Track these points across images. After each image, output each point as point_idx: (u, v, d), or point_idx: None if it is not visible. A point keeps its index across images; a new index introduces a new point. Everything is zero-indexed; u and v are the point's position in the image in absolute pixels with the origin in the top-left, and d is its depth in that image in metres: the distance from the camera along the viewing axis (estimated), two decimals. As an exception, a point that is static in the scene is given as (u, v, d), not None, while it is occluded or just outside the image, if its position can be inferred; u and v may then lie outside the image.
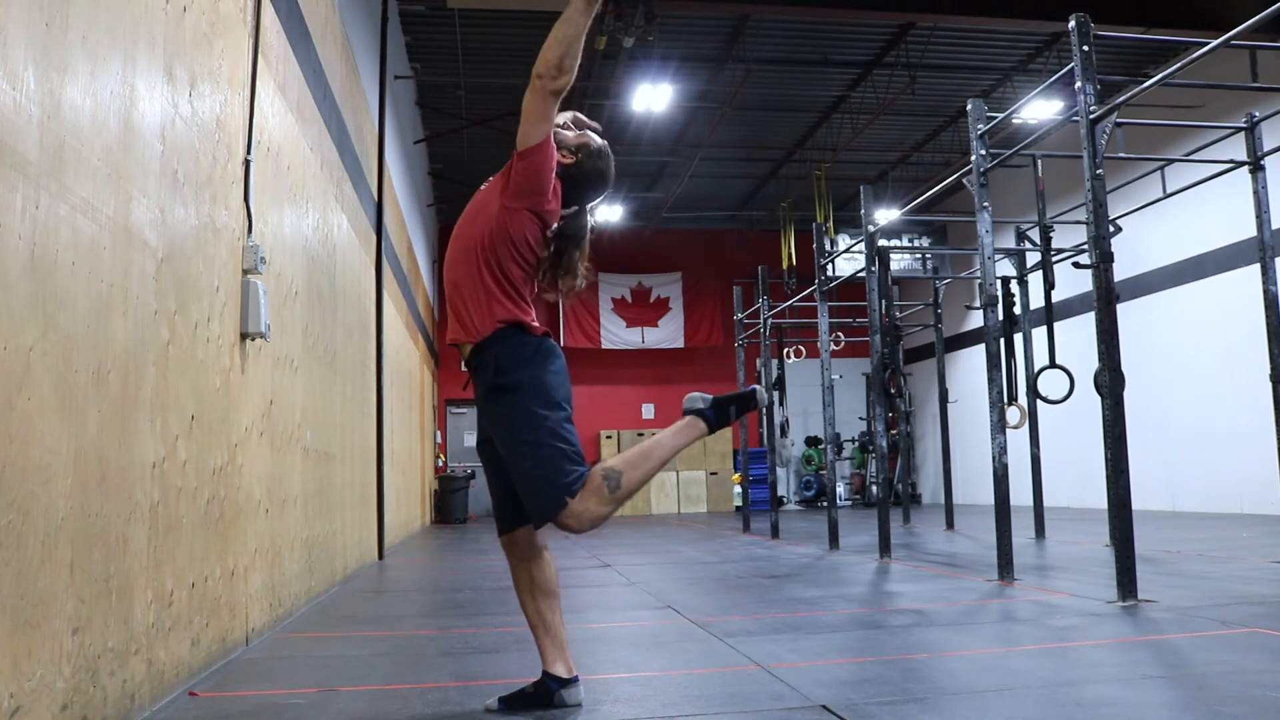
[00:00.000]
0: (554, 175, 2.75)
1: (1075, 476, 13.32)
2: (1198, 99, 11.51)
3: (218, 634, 3.50)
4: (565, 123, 2.91)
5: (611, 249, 17.93)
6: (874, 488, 17.19)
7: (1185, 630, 3.79)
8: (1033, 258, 9.20)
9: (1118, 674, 3.07)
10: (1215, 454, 11.53)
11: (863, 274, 8.01)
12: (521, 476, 2.66)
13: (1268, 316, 6.28)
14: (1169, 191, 8.07)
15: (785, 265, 17.35)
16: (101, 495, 2.46)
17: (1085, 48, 4.93)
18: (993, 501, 5.71)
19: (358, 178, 7.53)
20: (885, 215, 13.27)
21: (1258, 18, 4.41)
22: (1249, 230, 7.16)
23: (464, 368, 2.84)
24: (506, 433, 2.68)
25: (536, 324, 2.75)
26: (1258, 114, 6.65)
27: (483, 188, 2.85)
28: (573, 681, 2.75)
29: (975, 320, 15.77)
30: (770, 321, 10.72)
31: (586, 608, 5.01)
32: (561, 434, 2.64)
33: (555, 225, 2.82)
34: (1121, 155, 7.42)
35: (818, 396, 12.02)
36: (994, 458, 5.67)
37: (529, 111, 2.62)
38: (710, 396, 2.79)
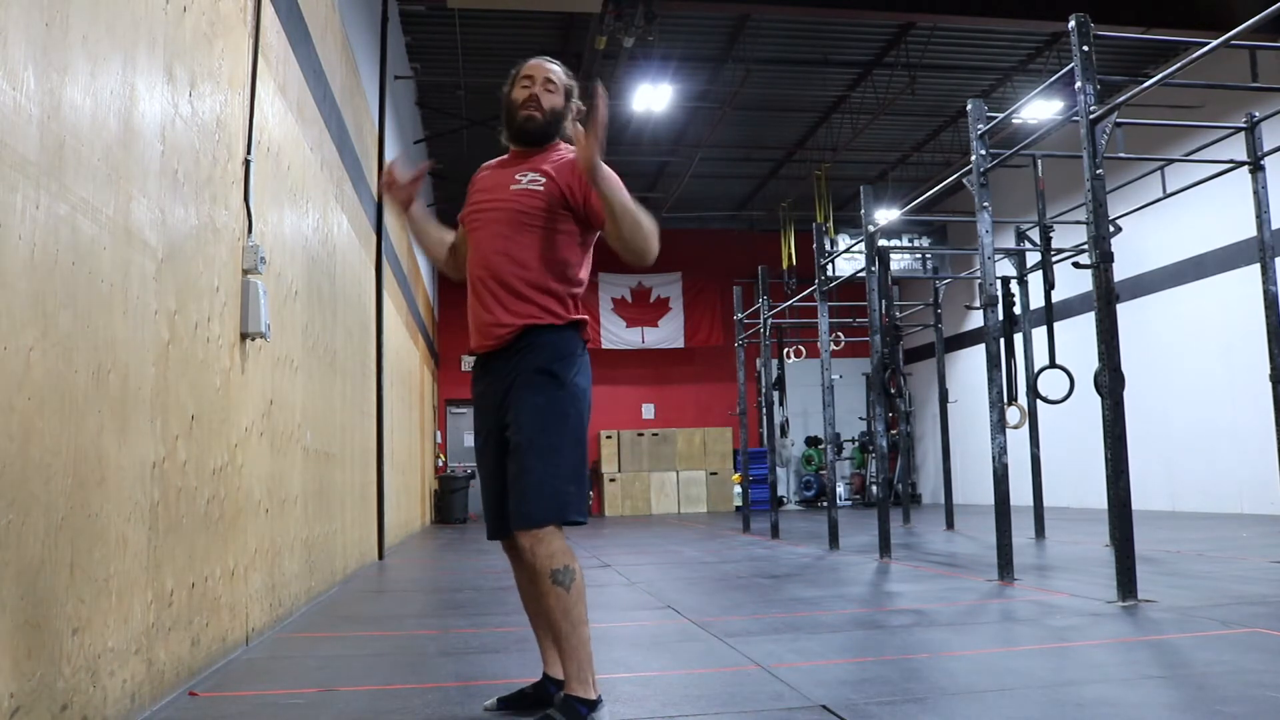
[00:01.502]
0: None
1: (1075, 476, 13.32)
2: (1198, 99, 11.51)
3: (218, 634, 3.50)
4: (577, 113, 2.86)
5: (612, 248, 17.94)
6: (874, 488, 17.20)
7: (1185, 630, 3.79)
8: (1033, 258, 9.20)
9: (1118, 674, 3.07)
10: (1215, 454, 11.53)
11: (863, 274, 8.01)
12: (526, 471, 2.50)
13: (1268, 316, 6.28)
14: (1169, 191, 8.07)
15: (785, 265, 17.36)
16: (101, 495, 2.46)
17: (1085, 48, 4.93)
18: (993, 501, 5.71)
19: (358, 178, 7.53)
20: (885, 215, 13.28)
21: (1258, 18, 4.41)
22: (1249, 230, 7.16)
23: (472, 359, 2.72)
24: (535, 421, 2.54)
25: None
26: (1258, 114, 6.65)
27: (533, 185, 2.68)
28: None
29: (975, 320, 15.78)
30: (770, 321, 10.72)
31: (587, 608, 4.99)
32: (581, 459, 2.59)
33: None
34: (1121, 155, 7.41)
35: (818, 396, 12.02)
36: (994, 458, 5.67)
37: (652, 238, 2.63)
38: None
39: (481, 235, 2.70)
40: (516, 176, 2.71)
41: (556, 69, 2.82)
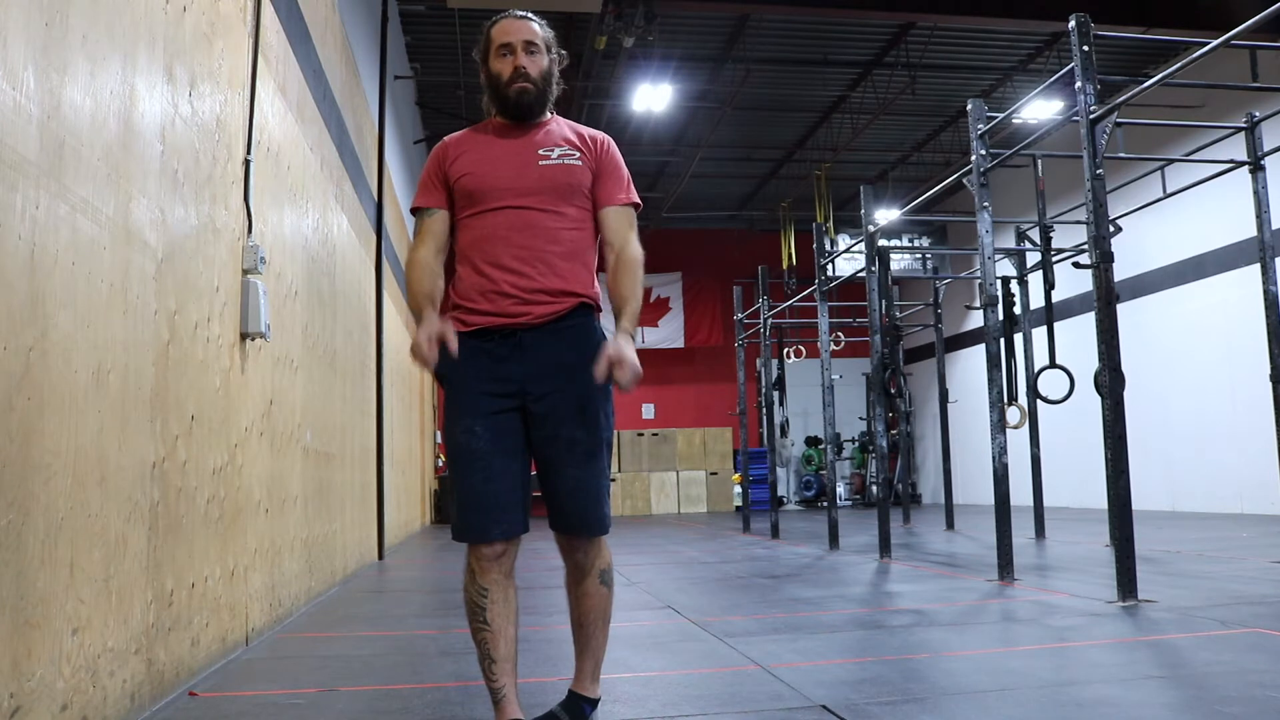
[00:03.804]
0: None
1: (1075, 476, 13.32)
2: (1198, 99, 11.51)
3: (218, 634, 3.50)
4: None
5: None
6: (874, 488, 17.20)
7: (1185, 630, 3.79)
8: (1033, 258, 9.20)
9: (1118, 674, 3.07)
10: (1215, 454, 11.53)
11: (863, 274, 8.01)
12: (596, 475, 2.41)
13: (1268, 316, 6.28)
14: (1169, 191, 8.07)
15: (785, 265, 17.36)
16: (101, 495, 2.46)
17: (1085, 48, 4.93)
18: (993, 501, 5.71)
19: (358, 178, 7.53)
20: (885, 215, 13.29)
21: (1258, 18, 4.41)
22: (1249, 230, 7.16)
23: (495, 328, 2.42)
24: (607, 421, 2.45)
25: None
26: (1258, 114, 6.65)
27: (568, 159, 2.48)
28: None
29: (975, 320, 15.78)
30: (770, 321, 10.72)
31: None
32: None
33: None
34: (1121, 155, 7.43)
35: (818, 396, 12.02)
36: (994, 458, 5.67)
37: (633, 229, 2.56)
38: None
39: (526, 213, 2.42)
40: (541, 151, 2.46)
41: (533, 24, 2.54)
